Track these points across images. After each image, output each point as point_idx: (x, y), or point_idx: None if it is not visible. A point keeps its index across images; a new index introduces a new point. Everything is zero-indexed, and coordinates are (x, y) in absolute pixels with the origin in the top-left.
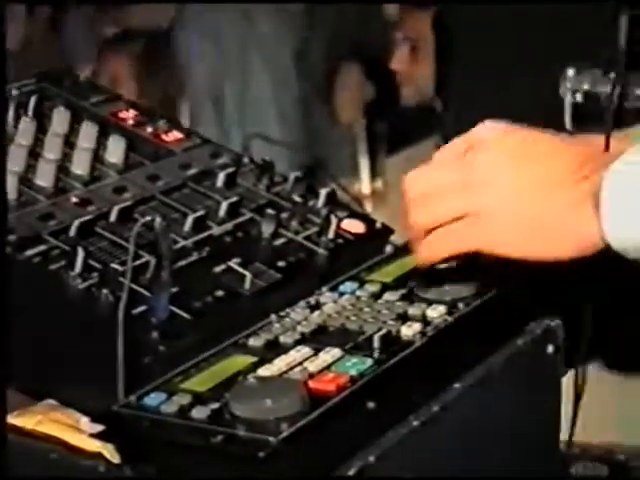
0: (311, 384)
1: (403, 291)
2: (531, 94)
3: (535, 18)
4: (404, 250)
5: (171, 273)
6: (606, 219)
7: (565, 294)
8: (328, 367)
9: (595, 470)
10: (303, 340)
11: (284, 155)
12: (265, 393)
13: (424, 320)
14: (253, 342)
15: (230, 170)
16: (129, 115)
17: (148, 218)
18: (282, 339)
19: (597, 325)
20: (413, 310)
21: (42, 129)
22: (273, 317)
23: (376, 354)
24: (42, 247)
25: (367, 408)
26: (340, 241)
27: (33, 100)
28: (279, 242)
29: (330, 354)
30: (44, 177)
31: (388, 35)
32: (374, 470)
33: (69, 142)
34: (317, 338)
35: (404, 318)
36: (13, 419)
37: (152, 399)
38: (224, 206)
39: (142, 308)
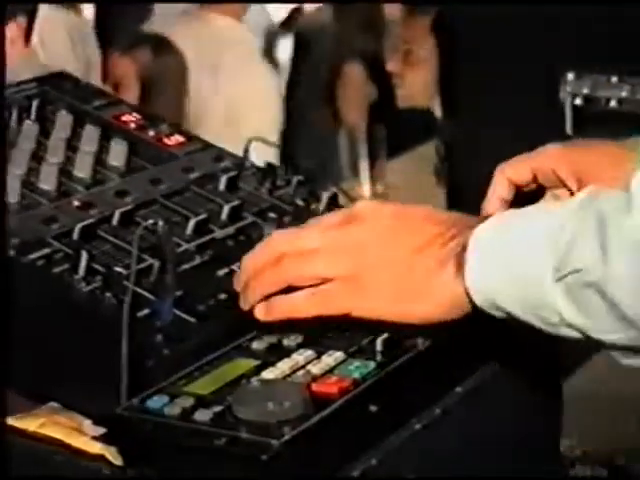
0: (314, 387)
1: None
2: (531, 98)
3: (535, 22)
4: None
5: (175, 276)
6: (467, 278)
7: None
8: (331, 370)
9: (594, 473)
10: (306, 343)
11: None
12: (268, 396)
13: None
14: (256, 345)
15: (232, 174)
16: (131, 119)
17: (151, 221)
18: (285, 342)
19: None
20: None
21: (44, 133)
22: None
23: (379, 357)
24: (46, 250)
25: (369, 411)
26: None
27: (35, 104)
28: None
29: (333, 357)
30: (47, 180)
31: (389, 38)
32: (376, 473)
33: (71, 146)
34: (320, 341)
35: None
36: (16, 422)
37: (155, 402)
38: (226, 210)
39: (146, 311)
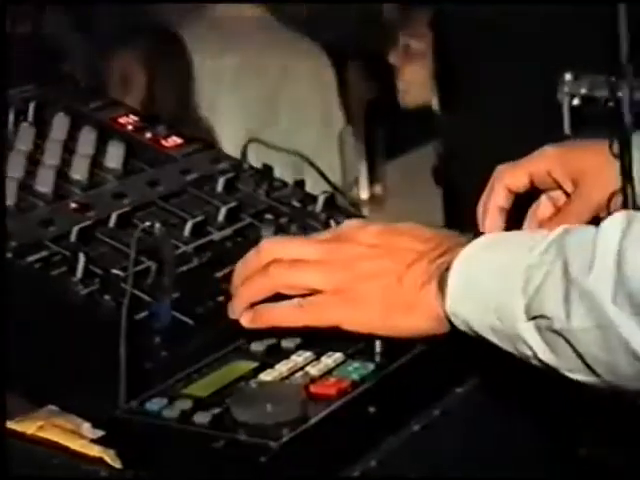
0: (312, 389)
1: None
2: (530, 98)
3: (534, 22)
4: None
5: (173, 279)
6: (447, 300)
7: None
8: (330, 372)
9: (595, 473)
10: (305, 345)
11: (283, 160)
12: (266, 398)
13: None
14: (255, 347)
15: (230, 175)
16: (129, 120)
17: (148, 223)
18: (284, 344)
19: None
20: None
21: (42, 135)
22: None
23: (378, 359)
24: (43, 253)
25: (368, 413)
26: None
27: (32, 106)
28: None
29: (332, 359)
30: (44, 183)
31: (388, 36)
32: (375, 474)
33: (68, 148)
34: (319, 343)
35: None
36: (15, 425)
37: (154, 404)
38: (223, 211)
39: (144, 314)
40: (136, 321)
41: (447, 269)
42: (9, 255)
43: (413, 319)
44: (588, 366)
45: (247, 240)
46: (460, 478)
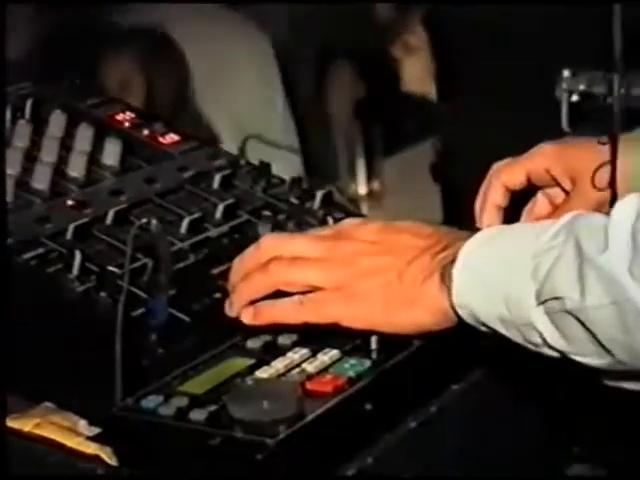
0: (308, 386)
1: None
2: (528, 95)
3: (532, 18)
4: None
5: (169, 275)
6: (453, 293)
7: None
8: (326, 369)
9: (593, 472)
10: (301, 342)
11: (280, 157)
12: (262, 395)
13: None
14: (251, 344)
15: (227, 172)
16: (126, 117)
17: (145, 220)
18: (280, 341)
19: None
20: None
21: (38, 132)
22: None
23: (374, 355)
24: (39, 250)
25: (365, 410)
26: None
27: (29, 103)
28: None
29: (328, 355)
30: (40, 180)
31: (381, 34)
32: (372, 472)
33: (65, 145)
34: (315, 340)
35: None
36: (11, 422)
37: (150, 401)
38: (220, 208)
39: (140, 311)
40: (132, 318)
41: (451, 262)
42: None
43: (415, 314)
44: (601, 346)
45: (244, 237)
46: (458, 476)
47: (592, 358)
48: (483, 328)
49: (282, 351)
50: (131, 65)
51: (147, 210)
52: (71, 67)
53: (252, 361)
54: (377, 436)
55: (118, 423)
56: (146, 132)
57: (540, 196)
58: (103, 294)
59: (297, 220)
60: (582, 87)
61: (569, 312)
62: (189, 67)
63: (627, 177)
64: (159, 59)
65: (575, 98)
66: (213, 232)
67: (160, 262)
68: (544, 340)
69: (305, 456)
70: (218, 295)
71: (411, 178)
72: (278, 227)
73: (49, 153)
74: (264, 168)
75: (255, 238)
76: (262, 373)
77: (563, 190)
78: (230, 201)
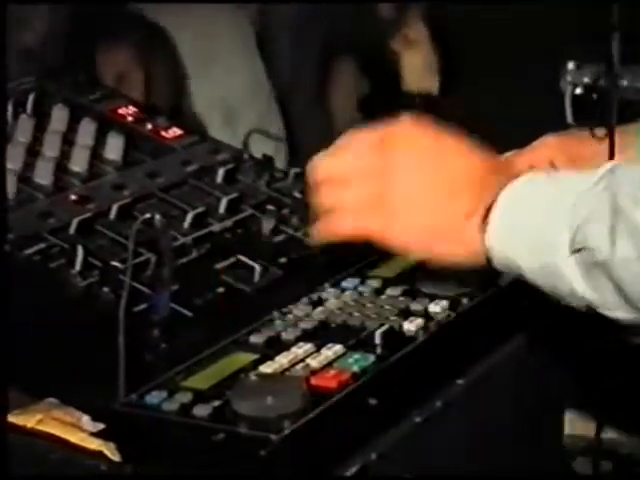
0: (313, 381)
1: (405, 286)
2: (532, 88)
3: (536, 12)
4: None
5: (172, 270)
6: (490, 235)
7: None
8: (330, 364)
9: (597, 465)
10: (305, 337)
11: (284, 151)
12: (267, 390)
13: (426, 315)
14: (255, 339)
15: (230, 166)
16: (129, 112)
17: (148, 215)
18: (284, 336)
19: None
20: (415, 305)
21: (41, 126)
22: (275, 314)
23: (378, 350)
24: (42, 245)
25: (369, 405)
26: None
27: (32, 98)
28: (280, 238)
29: (332, 350)
30: (43, 175)
31: (384, 30)
32: (376, 467)
33: (68, 139)
34: (319, 334)
35: (406, 314)
36: (14, 418)
37: (153, 397)
38: (224, 202)
39: (143, 306)
40: (135, 313)
41: (493, 202)
42: (7, 247)
43: (452, 247)
44: (628, 301)
45: (248, 231)
46: (462, 470)
47: (618, 312)
48: (513, 273)
49: (286, 346)
50: (127, 55)
51: (150, 205)
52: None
53: (256, 356)
54: (382, 431)
55: (121, 419)
56: (149, 126)
57: None
58: (106, 289)
59: (301, 214)
60: (586, 80)
61: (599, 264)
62: (180, 56)
63: None
64: (154, 49)
65: (579, 91)
66: (216, 227)
67: (163, 257)
68: (573, 290)
69: (309, 451)
70: (221, 290)
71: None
72: (282, 222)
73: (51, 148)
74: (267, 162)
75: (258, 233)
76: (266, 368)
77: None
78: (233, 195)
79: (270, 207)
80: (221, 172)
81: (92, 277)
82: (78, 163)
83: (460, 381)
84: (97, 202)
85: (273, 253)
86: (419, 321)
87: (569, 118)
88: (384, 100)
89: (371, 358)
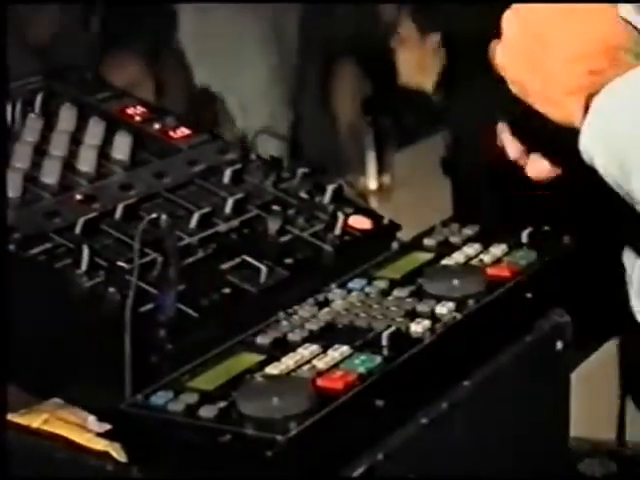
0: (319, 382)
1: (412, 287)
2: None
3: None
4: (411, 246)
5: (178, 270)
6: (585, 128)
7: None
8: (337, 365)
9: (603, 466)
10: (311, 338)
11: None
12: (273, 391)
13: (433, 317)
14: (261, 340)
15: (237, 166)
16: (136, 111)
17: (154, 215)
18: (290, 337)
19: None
20: (422, 307)
21: (49, 126)
22: (281, 315)
23: (385, 351)
24: (47, 245)
25: (375, 406)
26: (347, 238)
27: (40, 97)
28: (286, 239)
29: (339, 352)
30: (49, 174)
31: (385, 30)
32: (383, 468)
33: (75, 139)
34: (325, 335)
35: (413, 315)
36: (19, 418)
37: (159, 398)
38: (230, 203)
39: (149, 306)
40: (141, 314)
41: (596, 92)
42: (12, 247)
43: (554, 112)
44: None
45: (254, 232)
46: (469, 472)
47: None
48: (592, 167)
49: (292, 347)
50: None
51: (156, 205)
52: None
53: (262, 357)
54: (388, 432)
55: (127, 419)
56: (157, 126)
57: None
58: (111, 289)
59: (307, 215)
60: None
61: None
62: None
63: None
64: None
65: None
66: (222, 227)
67: (169, 257)
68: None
69: (315, 453)
70: (227, 290)
71: (421, 172)
72: (288, 222)
73: (59, 147)
74: (274, 162)
75: (265, 233)
76: (272, 369)
77: None
78: (240, 196)
79: (276, 207)
80: (228, 172)
81: (98, 277)
82: (85, 163)
83: (466, 382)
84: (103, 202)
85: (279, 253)
86: (426, 322)
87: None
88: (385, 99)
89: (378, 359)
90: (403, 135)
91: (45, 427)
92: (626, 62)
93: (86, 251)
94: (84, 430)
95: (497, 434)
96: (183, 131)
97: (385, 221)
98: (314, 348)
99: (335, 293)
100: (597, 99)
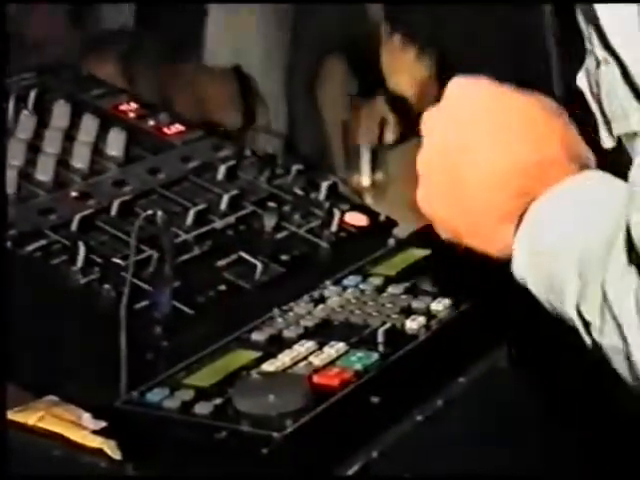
0: (315, 379)
1: (407, 284)
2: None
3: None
4: (407, 243)
5: (173, 267)
6: (516, 253)
7: None
8: (332, 362)
9: None
10: (307, 334)
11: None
12: (269, 388)
13: (428, 313)
14: (256, 337)
15: (231, 163)
16: (130, 108)
17: (149, 212)
18: (286, 333)
19: None
20: (417, 303)
21: (42, 123)
22: (276, 311)
23: (381, 348)
24: (43, 242)
25: (371, 403)
26: (343, 234)
27: (33, 94)
28: (281, 235)
29: (335, 348)
30: (44, 171)
31: (373, 29)
32: (378, 465)
33: (69, 136)
34: (321, 332)
35: (408, 312)
36: (15, 415)
37: (155, 395)
38: (225, 199)
39: (144, 303)
40: (136, 310)
41: (525, 212)
42: (8, 244)
43: (491, 248)
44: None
45: (249, 228)
46: (464, 469)
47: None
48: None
49: (288, 344)
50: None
51: (151, 201)
52: None
53: (258, 354)
54: (383, 429)
55: (123, 417)
56: (151, 123)
57: None
58: (107, 286)
59: (302, 211)
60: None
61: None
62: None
63: None
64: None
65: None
66: (218, 224)
67: (164, 254)
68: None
69: (311, 450)
70: (223, 287)
71: (415, 168)
72: (283, 219)
73: (53, 144)
74: (269, 159)
75: (260, 230)
76: (268, 366)
77: None
78: (235, 192)
79: (271, 204)
80: (222, 169)
81: (93, 274)
82: (79, 159)
83: (462, 379)
84: (98, 198)
85: (275, 250)
86: (421, 319)
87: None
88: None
89: (373, 356)
90: (397, 131)
91: (40, 424)
92: (554, 176)
93: (82, 248)
94: (79, 427)
95: (493, 431)
96: (177, 127)
97: (381, 217)
98: (310, 345)
99: (330, 290)
100: (524, 221)
